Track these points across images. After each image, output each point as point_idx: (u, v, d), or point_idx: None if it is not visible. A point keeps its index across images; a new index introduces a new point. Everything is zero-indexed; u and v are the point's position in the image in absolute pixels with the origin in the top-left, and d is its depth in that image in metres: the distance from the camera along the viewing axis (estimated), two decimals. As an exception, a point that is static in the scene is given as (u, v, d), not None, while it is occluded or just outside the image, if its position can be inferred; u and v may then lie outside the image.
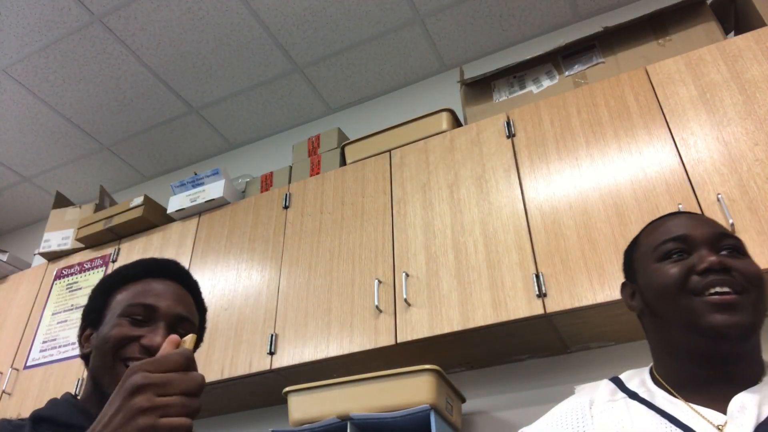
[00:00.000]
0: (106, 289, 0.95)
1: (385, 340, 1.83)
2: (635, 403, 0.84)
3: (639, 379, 0.90)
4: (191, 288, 0.99)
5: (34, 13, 2.52)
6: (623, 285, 0.97)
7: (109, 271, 1.86)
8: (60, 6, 2.49)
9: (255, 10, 2.56)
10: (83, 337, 0.93)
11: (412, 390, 1.64)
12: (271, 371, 2.00)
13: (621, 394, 0.87)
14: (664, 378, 0.86)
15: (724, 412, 0.76)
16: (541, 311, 1.65)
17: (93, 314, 0.93)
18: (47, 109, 2.99)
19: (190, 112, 3.10)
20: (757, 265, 0.84)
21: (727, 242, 0.85)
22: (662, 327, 0.87)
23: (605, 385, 0.91)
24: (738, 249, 0.85)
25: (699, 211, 1.59)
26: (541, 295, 1.67)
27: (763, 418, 0.74)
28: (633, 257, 0.95)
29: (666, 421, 0.78)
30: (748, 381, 0.80)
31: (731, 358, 0.80)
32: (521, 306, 1.68)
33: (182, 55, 2.76)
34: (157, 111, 3.06)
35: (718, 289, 0.80)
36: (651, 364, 0.93)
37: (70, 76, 2.82)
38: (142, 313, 0.89)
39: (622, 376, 0.93)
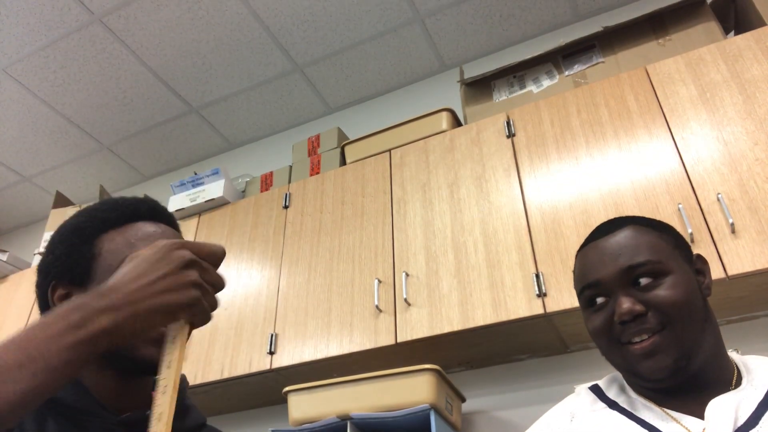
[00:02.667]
0: (88, 237, 0.77)
1: (385, 339, 1.83)
2: (615, 413, 0.84)
3: (618, 385, 0.89)
4: (177, 228, 0.86)
5: (34, 13, 2.52)
6: None
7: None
8: (60, 6, 2.49)
9: (255, 9, 2.56)
10: (57, 298, 0.76)
11: (412, 390, 1.64)
12: (271, 371, 2.00)
13: (601, 404, 0.87)
14: (637, 390, 0.86)
15: (703, 417, 0.76)
16: (541, 311, 1.65)
17: (76, 269, 0.75)
18: (47, 109, 2.99)
19: (190, 112, 3.09)
20: (677, 287, 0.80)
21: (637, 273, 0.81)
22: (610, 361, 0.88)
23: (585, 395, 0.91)
24: (652, 273, 0.80)
25: (699, 211, 1.59)
26: (541, 294, 1.67)
27: (740, 422, 0.74)
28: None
29: (646, 431, 0.78)
30: (720, 383, 0.80)
31: (682, 383, 0.80)
32: (521, 306, 1.68)
33: (182, 55, 2.76)
34: (157, 111, 3.06)
35: (636, 339, 0.79)
36: None
37: (70, 76, 2.82)
38: None
39: (601, 384, 0.92)
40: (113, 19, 2.57)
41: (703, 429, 0.75)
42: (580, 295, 0.87)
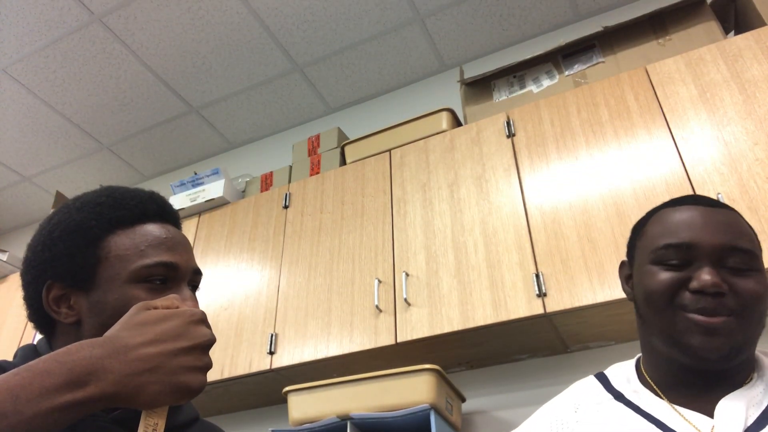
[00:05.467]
0: (94, 238, 0.71)
1: (385, 339, 1.83)
2: (621, 405, 0.82)
3: (625, 375, 0.87)
4: (180, 228, 0.80)
5: (34, 13, 2.52)
6: (622, 264, 0.92)
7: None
8: (60, 6, 2.49)
9: (255, 9, 2.56)
10: (52, 299, 0.71)
11: (412, 390, 1.64)
12: (271, 371, 2.00)
13: (607, 395, 0.85)
14: (650, 375, 0.84)
15: (711, 415, 0.75)
16: (541, 311, 1.65)
17: (78, 272, 0.70)
18: (47, 109, 2.99)
19: (190, 112, 3.09)
20: (763, 284, 0.78)
21: (734, 256, 0.78)
22: (647, 330, 0.84)
23: (591, 385, 0.89)
24: (747, 263, 0.79)
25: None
26: (541, 294, 1.67)
27: (750, 422, 0.73)
28: (636, 242, 0.89)
29: (653, 425, 0.77)
30: (736, 383, 0.79)
31: (713, 373, 0.78)
32: (521, 306, 1.68)
33: (182, 55, 2.76)
34: (157, 111, 3.06)
35: (704, 312, 0.77)
36: (639, 355, 0.90)
37: (70, 76, 2.82)
38: (163, 275, 0.71)
39: (608, 373, 0.90)
40: (113, 19, 2.57)
41: (712, 427, 0.73)
42: (656, 250, 0.82)
